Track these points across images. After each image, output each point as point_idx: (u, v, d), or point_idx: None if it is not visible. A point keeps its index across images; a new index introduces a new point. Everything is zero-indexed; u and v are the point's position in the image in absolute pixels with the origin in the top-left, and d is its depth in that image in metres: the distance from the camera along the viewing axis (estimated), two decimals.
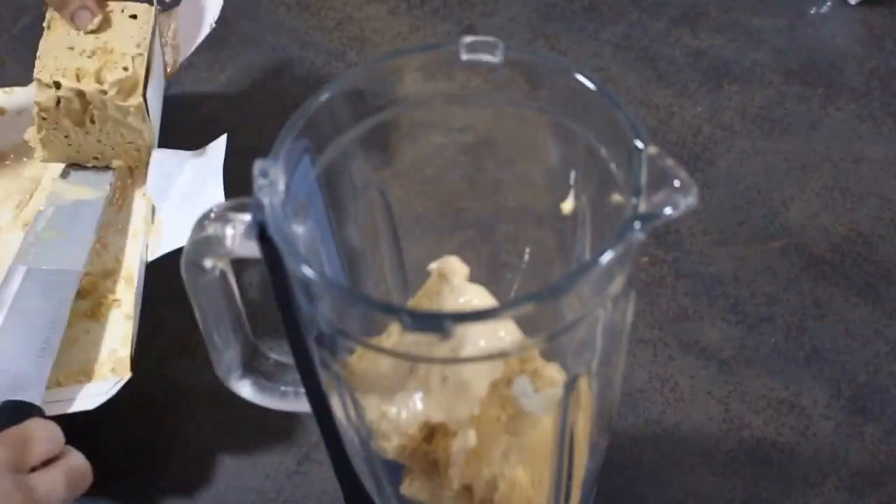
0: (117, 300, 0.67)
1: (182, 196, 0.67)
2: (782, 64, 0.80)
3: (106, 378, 0.63)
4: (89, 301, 0.67)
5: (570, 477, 0.50)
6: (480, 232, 0.54)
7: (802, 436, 0.61)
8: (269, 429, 0.63)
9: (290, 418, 0.63)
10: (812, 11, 0.83)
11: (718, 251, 0.70)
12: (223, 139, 0.69)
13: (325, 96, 0.47)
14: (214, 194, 0.65)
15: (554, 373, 0.48)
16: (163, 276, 0.61)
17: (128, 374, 0.61)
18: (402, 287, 0.55)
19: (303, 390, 0.52)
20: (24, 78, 0.82)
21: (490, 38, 0.47)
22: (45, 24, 0.70)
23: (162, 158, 0.68)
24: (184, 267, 0.49)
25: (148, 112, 0.68)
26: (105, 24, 0.70)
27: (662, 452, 0.61)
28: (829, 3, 0.84)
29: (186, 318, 0.68)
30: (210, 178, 0.66)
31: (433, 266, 0.51)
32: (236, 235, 0.47)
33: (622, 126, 0.45)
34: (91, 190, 0.70)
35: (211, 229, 0.47)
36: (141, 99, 0.68)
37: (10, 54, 0.83)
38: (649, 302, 0.67)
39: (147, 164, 0.69)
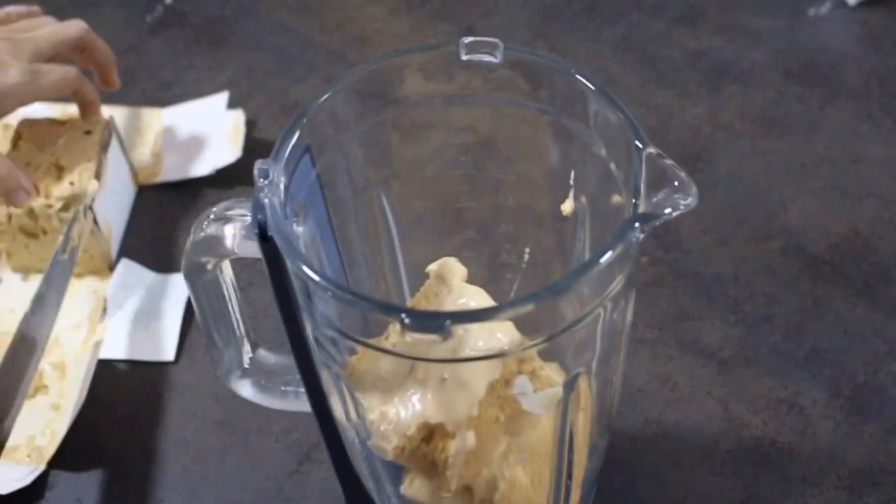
0: (45, 386, 0.66)
1: (136, 312, 0.69)
2: (781, 64, 0.80)
3: (21, 462, 0.62)
4: None
5: (569, 476, 0.50)
6: (480, 232, 0.54)
7: (801, 435, 0.61)
8: (269, 429, 0.63)
9: (290, 418, 0.63)
10: (811, 12, 0.83)
11: (718, 251, 0.70)
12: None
13: (325, 96, 0.47)
14: (172, 319, 0.68)
15: (552, 373, 0.48)
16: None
17: (43, 466, 0.62)
18: (401, 287, 0.55)
19: (303, 390, 0.52)
20: None
21: (490, 39, 0.47)
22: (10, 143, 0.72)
23: (126, 270, 0.71)
24: (184, 267, 0.49)
25: (97, 222, 0.70)
26: (62, 140, 0.71)
27: (662, 452, 0.61)
28: (827, 4, 0.84)
29: (187, 318, 0.68)
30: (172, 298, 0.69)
31: (432, 267, 0.51)
32: (236, 235, 0.47)
33: (622, 126, 0.45)
34: None
35: (211, 229, 0.47)
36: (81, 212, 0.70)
37: None
38: (649, 302, 0.67)
39: (102, 269, 0.72)
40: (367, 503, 0.55)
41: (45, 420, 0.64)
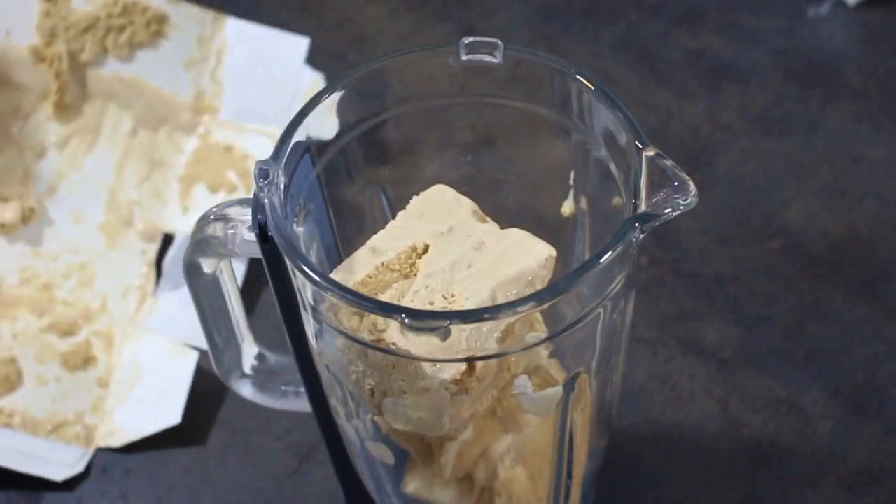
0: (94, 357, 0.63)
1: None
2: (781, 65, 0.80)
3: (70, 442, 0.61)
4: (67, 344, 0.63)
5: (569, 476, 0.50)
6: None
7: (801, 435, 0.61)
8: (269, 429, 0.63)
9: (290, 418, 0.63)
10: (811, 13, 0.83)
11: (718, 251, 0.70)
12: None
13: (325, 96, 0.47)
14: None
15: (554, 371, 0.48)
16: None
17: (94, 448, 0.61)
18: None
19: (303, 390, 0.52)
20: None
21: (490, 39, 0.47)
22: None
23: (178, 245, 0.68)
24: (184, 267, 0.49)
25: None
26: None
27: (662, 452, 0.61)
28: (827, 5, 0.84)
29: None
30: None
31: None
32: (236, 235, 0.47)
33: (622, 126, 0.45)
34: None
35: (211, 229, 0.48)
36: None
37: None
38: (649, 302, 0.67)
39: (154, 233, 0.67)
40: (367, 503, 0.55)
41: (94, 397, 0.62)
